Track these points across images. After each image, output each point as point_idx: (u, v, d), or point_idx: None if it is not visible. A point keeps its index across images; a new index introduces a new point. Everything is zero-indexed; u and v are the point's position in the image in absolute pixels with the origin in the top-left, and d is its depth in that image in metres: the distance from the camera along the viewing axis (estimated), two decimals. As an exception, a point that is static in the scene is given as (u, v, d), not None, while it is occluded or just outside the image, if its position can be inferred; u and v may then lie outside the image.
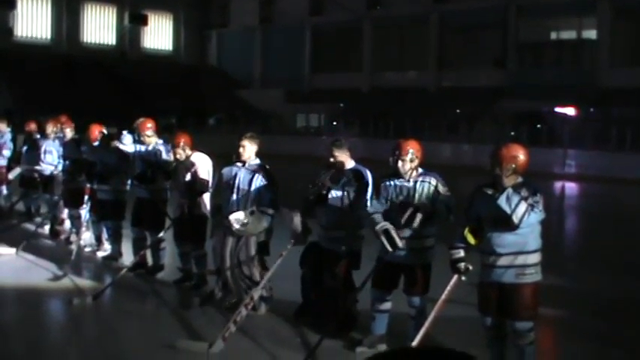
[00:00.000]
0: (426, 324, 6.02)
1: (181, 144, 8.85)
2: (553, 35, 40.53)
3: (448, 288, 5.99)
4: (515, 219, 5.61)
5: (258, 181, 7.83)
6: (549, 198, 20.87)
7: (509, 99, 35.51)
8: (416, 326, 6.50)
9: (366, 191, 7.13)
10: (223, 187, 8.13)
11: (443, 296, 5.97)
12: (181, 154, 8.86)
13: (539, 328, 5.94)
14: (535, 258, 5.84)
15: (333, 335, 6.94)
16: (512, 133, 30.95)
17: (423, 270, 6.64)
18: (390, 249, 6.40)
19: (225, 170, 8.17)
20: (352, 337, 7.00)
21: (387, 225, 6.45)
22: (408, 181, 6.67)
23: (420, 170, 6.78)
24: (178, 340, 6.97)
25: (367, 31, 45.80)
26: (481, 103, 36.32)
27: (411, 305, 6.67)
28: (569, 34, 39.82)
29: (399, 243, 6.39)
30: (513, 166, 5.79)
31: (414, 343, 5.97)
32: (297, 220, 7.43)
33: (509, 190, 5.68)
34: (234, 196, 7.90)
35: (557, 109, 32.68)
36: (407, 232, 6.46)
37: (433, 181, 6.68)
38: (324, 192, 7.20)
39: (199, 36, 54.84)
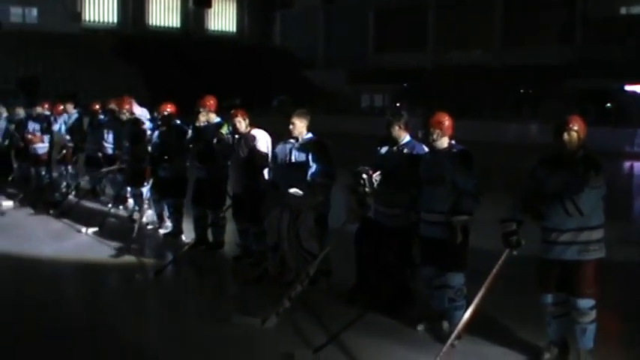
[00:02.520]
0: (476, 300, 5.87)
1: (238, 117, 8.90)
2: (622, 10, 39.36)
3: (499, 262, 5.85)
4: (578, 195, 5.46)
5: (313, 154, 7.80)
6: (618, 177, 20.51)
7: (575, 77, 34.72)
8: (455, 308, 6.43)
9: (418, 167, 6.92)
10: (279, 163, 8.14)
11: (494, 270, 5.83)
12: (240, 125, 8.89)
13: (601, 306, 5.76)
14: (599, 234, 5.66)
15: (391, 312, 6.91)
16: (578, 111, 30.22)
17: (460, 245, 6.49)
18: None
19: (279, 147, 8.17)
20: (412, 314, 6.91)
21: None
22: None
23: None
24: (233, 315, 7.01)
25: (431, 8, 45.30)
26: (546, 82, 35.62)
27: (448, 284, 6.49)
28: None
29: None
30: (579, 138, 5.62)
31: (463, 320, 5.86)
32: (353, 195, 7.38)
33: (571, 165, 5.53)
34: (290, 172, 7.90)
35: (627, 87, 31.84)
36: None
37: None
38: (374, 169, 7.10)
39: (263, 17, 55.01)
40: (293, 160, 7.93)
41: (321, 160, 7.80)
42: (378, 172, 7.01)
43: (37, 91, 15.63)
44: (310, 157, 7.83)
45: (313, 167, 7.78)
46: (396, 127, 7.11)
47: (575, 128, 5.61)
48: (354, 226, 7.54)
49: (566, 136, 5.59)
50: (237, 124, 8.87)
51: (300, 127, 7.97)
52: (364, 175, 6.93)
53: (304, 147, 7.90)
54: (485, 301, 5.88)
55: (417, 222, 6.71)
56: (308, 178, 7.77)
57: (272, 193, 8.18)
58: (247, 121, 8.93)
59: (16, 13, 44.38)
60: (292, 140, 8.00)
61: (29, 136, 14.76)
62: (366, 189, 6.98)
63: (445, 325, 6.53)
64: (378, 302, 7.01)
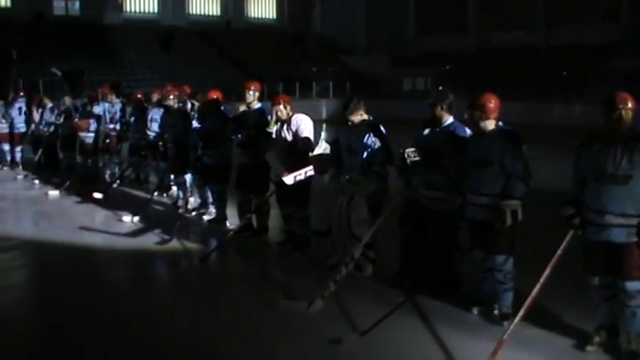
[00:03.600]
0: (541, 280, 5.71)
1: (281, 104, 8.86)
2: (670, -14, 38.40)
3: (564, 243, 5.71)
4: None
5: (369, 139, 7.69)
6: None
7: (621, 56, 34.04)
8: (504, 291, 6.34)
9: (461, 150, 6.76)
10: (337, 148, 8.07)
11: (559, 251, 5.69)
12: (283, 112, 8.85)
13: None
14: None
15: (437, 296, 6.85)
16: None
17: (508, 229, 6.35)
18: None
19: (341, 132, 8.08)
20: (461, 298, 6.83)
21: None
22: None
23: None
24: (279, 300, 7.01)
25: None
26: (591, 62, 35.01)
27: (495, 268, 6.36)
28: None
29: None
30: (632, 116, 5.45)
31: (527, 303, 5.73)
32: (394, 174, 7.32)
33: (622, 143, 5.37)
34: (347, 157, 7.83)
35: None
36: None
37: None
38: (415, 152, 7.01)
39: (303, 3, 54.86)
40: (349, 144, 7.83)
41: (378, 146, 7.67)
42: (413, 149, 6.95)
43: (81, 83, 15.80)
44: (367, 142, 7.70)
45: (370, 153, 7.66)
46: (439, 108, 7.00)
47: (630, 106, 5.43)
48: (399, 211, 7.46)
49: (621, 113, 5.41)
50: (280, 110, 8.85)
51: (357, 118, 7.82)
52: (405, 155, 6.87)
53: (361, 131, 7.77)
54: (530, 285, 5.74)
55: (462, 205, 6.61)
56: (363, 164, 7.66)
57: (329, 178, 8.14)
58: (290, 106, 8.90)
59: (58, 5, 44.87)
60: (350, 124, 7.88)
61: (77, 121, 14.92)
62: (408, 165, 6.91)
63: (496, 308, 6.44)
64: (423, 286, 6.96)
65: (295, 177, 8.43)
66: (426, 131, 7.15)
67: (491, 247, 6.31)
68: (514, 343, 5.54)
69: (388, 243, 7.73)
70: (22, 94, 18.44)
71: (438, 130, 7.04)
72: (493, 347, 5.44)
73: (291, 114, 8.86)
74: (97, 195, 12.54)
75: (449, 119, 7.04)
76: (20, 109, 17.87)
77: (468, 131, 6.79)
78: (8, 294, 7.85)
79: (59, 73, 15.33)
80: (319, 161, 8.38)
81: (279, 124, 8.97)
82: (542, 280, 5.66)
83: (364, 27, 52.61)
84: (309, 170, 8.43)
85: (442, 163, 6.83)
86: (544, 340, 6.01)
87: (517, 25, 42.67)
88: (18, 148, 18.04)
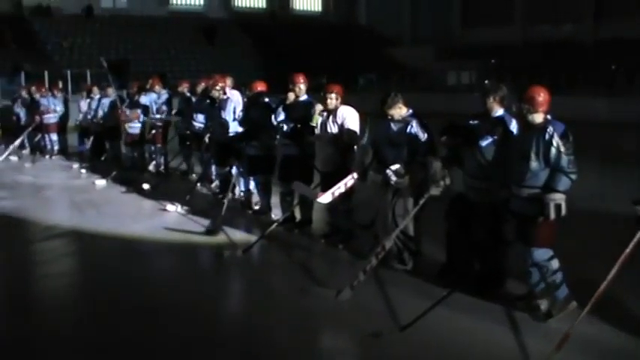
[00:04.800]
0: (608, 277, 5.59)
1: (334, 93, 8.85)
2: None
3: (634, 241, 5.59)
4: None
5: (412, 131, 7.66)
6: None
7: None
8: (549, 286, 6.26)
9: (510, 141, 6.71)
10: (378, 140, 8.02)
11: (627, 249, 5.57)
12: (332, 102, 8.84)
13: None
14: None
15: (482, 291, 6.80)
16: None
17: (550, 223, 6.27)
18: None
19: (379, 124, 8.02)
20: (505, 293, 6.79)
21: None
22: None
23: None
24: (307, 287, 7.10)
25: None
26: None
27: (538, 262, 6.25)
28: None
29: None
30: None
31: (593, 299, 5.60)
32: (437, 165, 7.28)
33: None
34: (390, 149, 7.79)
35: None
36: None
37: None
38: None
39: (348, -5, 54.78)
40: (392, 136, 7.78)
41: (421, 138, 7.64)
42: (445, 137, 6.96)
43: (127, 74, 16.02)
44: (409, 133, 7.68)
45: (413, 145, 7.63)
46: (491, 99, 6.93)
47: None
48: (443, 204, 7.40)
49: None
50: (329, 100, 8.83)
51: (397, 112, 7.78)
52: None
53: (403, 123, 7.75)
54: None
55: (508, 198, 6.55)
56: (407, 156, 7.64)
57: (372, 171, 8.11)
58: (340, 98, 8.89)
59: (106, -2, 45.52)
60: (390, 117, 7.85)
61: (126, 113, 15.09)
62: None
63: (543, 304, 6.37)
64: (467, 280, 6.91)
65: (333, 193, 8.35)
66: (475, 122, 7.08)
67: (533, 241, 6.24)
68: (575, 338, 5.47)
69: (434, 236, 7.68)
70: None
71: (487, 120, 6.97)
72: (536, 343, 5.39)
73: (338, 106, 8.85)
74: (145, 185, 12.68)
75: (499, 111, 6.96)
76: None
77: (514, 123, 6.73)
78: (55, 282, 8.00)
79: (105, 65, 15.48)
80: (361, 168, 8.33)
81: (324, 115, 8.96)
82: (609, 276, 5.56)
83: (409, 19, 52.33)
84: (348, 181, 8.35)
85: (492, 155, 6.77)
86: (617, 342, 5.92)
87: (565, 18, 42.04)
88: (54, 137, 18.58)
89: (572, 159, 6.11)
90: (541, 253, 6.22)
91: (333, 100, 8.82)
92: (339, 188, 8.33)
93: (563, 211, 6.12)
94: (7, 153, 17.62)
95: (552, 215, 6.06)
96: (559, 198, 6.08)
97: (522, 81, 34.21)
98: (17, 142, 18.18)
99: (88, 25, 38.85)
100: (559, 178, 6.08)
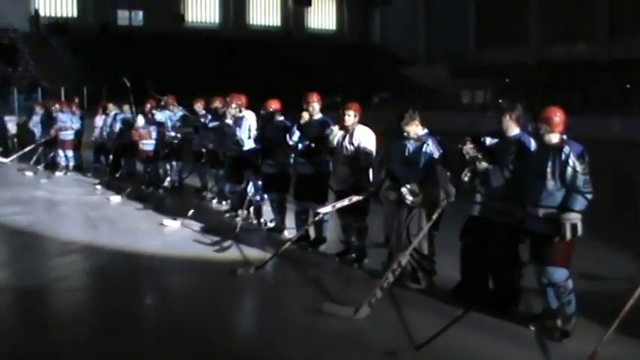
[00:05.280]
0: (635, 295, 5.57)
1: (352, 111, 8.86)
2: None
3: None
4: None
5: (428, 150, 7.67)
6: None
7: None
8: (563, 305, 6.24)
9: (528, 161, 6.68)
10: (393, 159, 8.02)
11: None
12: (349, 120, 8.85)
13: None
14: None
15: (497, 310, 6.77)
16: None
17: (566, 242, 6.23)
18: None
19: (394, 142, 8.04)
20: (521, 312, 6.76)
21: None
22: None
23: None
24: (324, 305, 7.04)
25: (534, 2, 44.35)
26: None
27: (553, 282, 6.23)
28: None
29: None
30: None
31: (620, 316, 5.59)
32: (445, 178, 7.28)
33: None
34: (405, 168, 7.79)
35: None
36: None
37: None
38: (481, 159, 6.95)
39: (362, 14, 55.02)
40: (407, 155, 7.80)
41: (436, 157, 7.63)
42: (472, 146, 6.93)
43: (144, 91, 16.14)
44: (424, 153, 7.68)
45: (428, 164, 7.62)
46: (507, 118, 6.92)
47: None
48: (458, 223, 7.39)
49: None
50: (347, 117, 8.85)
51: (413, 129, 7.81)
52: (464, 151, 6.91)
53: (419, 142, 7.76)
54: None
55: (524, 218, 6.53)
56: (421, 175, 7.63)
57: (386, 189, 8.09)
58: (358, 117, 8.90)
59: (123, 16, 45.93)
60: (406, 135, 7.85)
61: (140, 131, 15.18)
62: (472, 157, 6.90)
63: (558, 323, 6.34)
64: (483, 300, 6.89)
65: (334, 205, 8.50)
66: (491, 141, 7.07)
67: (549, 260, 6.22)
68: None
69: (448, 254, 7.67)
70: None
71: (504, 140, 6.96)
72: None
73: (356, 124, 8.88)
74: (156, 203, 12.76)
75: (515, 130, 6.95)
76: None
77: (533, 143, 6.71)
78: (70, 297, 8.03)
79: (128, 83, 15.56)
80: (375, 188, 8.34)
81: (340, 134, 8.98)
82: (636, 294, 5.57)
83: (424, 38, 52.50)
84: (354, 197, 8.41)
85: (508, 174, 6.75)
86: (632, 356, 5.93)
87: (579, 37, 42.05)
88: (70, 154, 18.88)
89: (588, 179, 6.12)
90: (557, 273, 6.20)
91: (350, 117, 8.83)
92: (342, 202, 8.40)
93: (580, 231, 6.12)
94: (14, 156, 17.93)
95: (568, 235, 6.06)
96: (575, 218, 6.08)
97: (536, 100, 34.31)
98: (27, 149, 18.83)
99: (105, 42, 39.16)
100: (575, 198, 6.08)
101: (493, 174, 6.80)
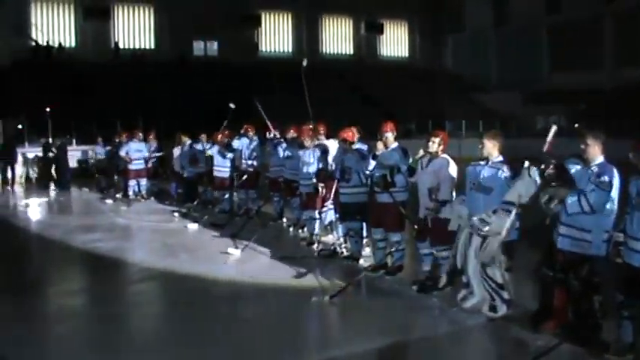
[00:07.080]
0: None
1: (438, 138, 8.85)
2: None
3: None
4: None
5: (502, 177, 7.62)
6: None
7: None
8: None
9: (608, 192, 6.54)
10: (468, 186, 7.97)
11: None
12: (433, 147, 8.83)
13: None
14: None
15: (577, 340, 6.65)
16: None
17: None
18: None
19: (470, 169, 7.99)
20: (599, 342, 6.58)
21: None
22: None
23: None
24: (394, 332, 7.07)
25: (608, 26, 43.60)
26: None
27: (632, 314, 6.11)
28: None
29: None
30: None
31: None
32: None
33: None
34: (479, 195, 7.73)
35: None
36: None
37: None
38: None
39: (434, 41, 54.95)
40: (482, 181, 7.75)
41: (511, 184, 7.49)
42: (552, 171, 6.79)
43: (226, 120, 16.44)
44: (499, 179, 7.63)
45: (502, 190, 7.52)
46: (589, 142, 6.78)
47: None
48: (535, 251, 7.29)
49: None
50: (431, 143, 8.84)
51: (489, 147, 7.81)
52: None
53: (494, 169, 7.72)
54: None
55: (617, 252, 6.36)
56: (495, 202, 7.52)
57: (462, 217, 8.03)
58: (444, 146, 8.87)
59: (198, 47, 46.94)
60: (482, 162, 7.85)
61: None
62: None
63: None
64: (565, 330, 6.76)
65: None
66: (575, 168, 6.90)
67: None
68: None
69: (527, 284, 7.57)
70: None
71: (587, 168, 6.80)
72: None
73: (440, 153, 8.86)
74: (234, 231, 12.90)
75: (599, 158, 6.78)
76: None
77: (615, 173, 6.57)
78: (147, 324, 8.23)
79: (233, 106, 15.71)
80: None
81: (425, 159, 8.99)
82: None
83: (495, 64, 52.09)
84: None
85: (595, 204, 6.57)
86: None
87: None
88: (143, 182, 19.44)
89: None
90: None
91: (435, 144, 8.81)
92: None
93: None
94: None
95: None
96: None
97: (612, 126, 33.53)
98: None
99: (181, 73, 39.92)
100: None
101: (570, 201, 6.67)
